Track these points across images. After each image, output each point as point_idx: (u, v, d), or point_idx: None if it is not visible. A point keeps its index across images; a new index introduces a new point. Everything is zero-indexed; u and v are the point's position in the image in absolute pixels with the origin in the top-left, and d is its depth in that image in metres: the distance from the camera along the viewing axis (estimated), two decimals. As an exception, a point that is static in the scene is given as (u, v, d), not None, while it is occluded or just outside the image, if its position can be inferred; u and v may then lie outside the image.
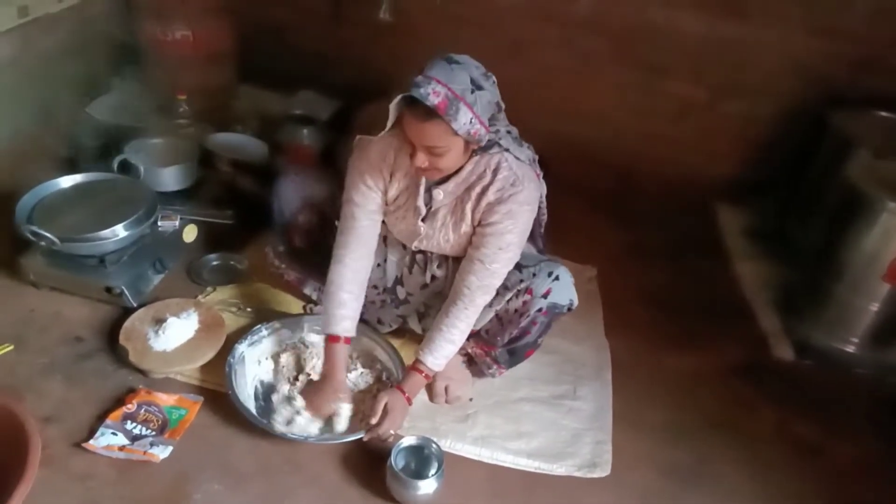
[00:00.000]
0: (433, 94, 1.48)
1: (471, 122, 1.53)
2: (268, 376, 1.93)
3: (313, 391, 1.83)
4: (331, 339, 1.83)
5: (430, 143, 1.57)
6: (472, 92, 1.53)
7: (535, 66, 2.97)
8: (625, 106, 3.07)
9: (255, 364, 1.93)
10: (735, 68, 2.90)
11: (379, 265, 2.00)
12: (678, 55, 2.92)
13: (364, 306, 1.97)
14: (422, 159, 1.60)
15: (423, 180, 1.75)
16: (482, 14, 2.94)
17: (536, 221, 1.90)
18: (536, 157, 1.83)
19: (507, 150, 1.71)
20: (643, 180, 3.06)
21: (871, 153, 2.46)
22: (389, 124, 1.64)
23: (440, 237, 1.81)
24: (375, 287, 2.04)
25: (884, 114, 2.75)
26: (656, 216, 2.97)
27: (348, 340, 1.84)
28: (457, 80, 1.52)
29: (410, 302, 2.02)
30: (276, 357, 1.97)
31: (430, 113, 1.50)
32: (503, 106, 1.69)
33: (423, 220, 1.79)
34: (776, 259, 2.80)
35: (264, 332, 1.98)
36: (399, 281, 2.00)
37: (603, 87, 3.05)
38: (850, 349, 2.41)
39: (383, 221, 1.88)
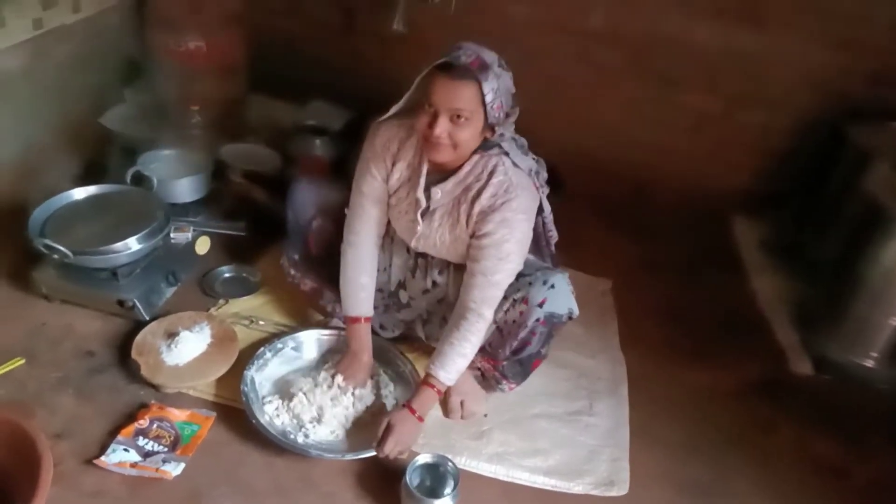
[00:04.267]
0: (465, 55, 1.57)
1: (495, 92, 1.59)
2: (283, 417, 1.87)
3: (348, 371, 1.91)
4: (353, 321, 1.92)
5: (457, 105, 1.58)
6: (499, 66, 1.61)
7: (549, 78, 2.95)
8: (639, 118, 3.04)
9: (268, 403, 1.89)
10: (751, 80, 2.87)
11: (385, 269, 2.01)
12: (693, 67, 2.90)
13: None
14: (443, 125, 1.60)
15: (423, 176, 1.76)
16: (496, 26, 2.92)
17: (543, 237, 1.89)
18: (544, 172, 1.82)
19: (506, 153, 1.72)
20: (658, 193, 3.03)
21: (890, 166, 2.43)
22: (404, 99, 1.68)
23: (436, 237, 1.81)
24: (381, 291, 2.04)
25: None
26: (671, 229, 2.94)
27: (369, 319, 1.94)
28: (486, 53, 1.61)
29: (412, 307, 2.02)
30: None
31: (463, 74, 1.56)
32: (517, 110, 1.69)
33: (421, 215, 1.79)
34: (793, 272, 2.76)
35: (269, 356, 1.97)
36: (402, 285, 2.01)
37: (617, 99, 3.03)
38: (870, 364, 2.36)
39: (389, 222, 1.90)
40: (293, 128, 2.85)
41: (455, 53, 1.57)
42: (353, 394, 1.88)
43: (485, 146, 1.71)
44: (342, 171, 2.68)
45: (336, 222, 2.05)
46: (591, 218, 2.82)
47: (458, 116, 1.59)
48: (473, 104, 1.59)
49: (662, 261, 2.77)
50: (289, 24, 3.20)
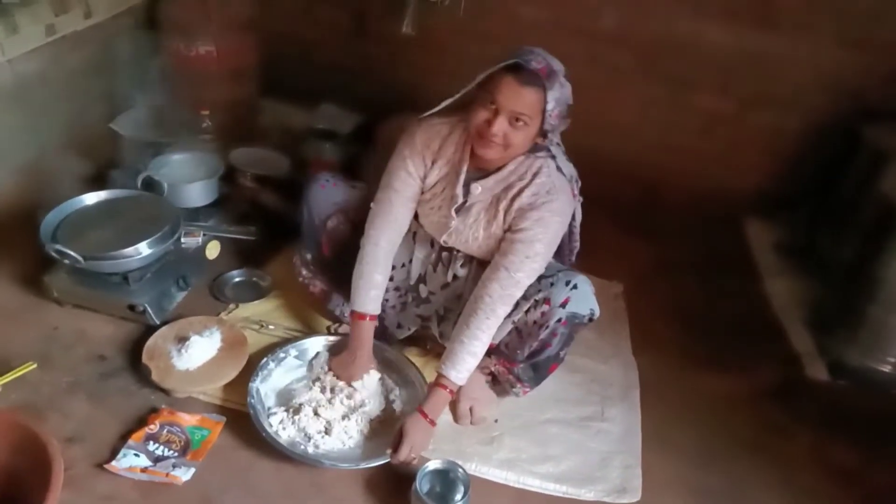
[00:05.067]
0: (536, 61, 1.58)
1: (557, 102, 1.61)
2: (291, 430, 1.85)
3: (341, 366, 1.91)
4: (359, 317, 1.89)
5: (519, 109, 1.60)
6: (564, 77, 1.63)
7: None
8: (651, 119, 3.03)
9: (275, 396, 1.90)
10: (763, 81, 2.85)
11: (404, 265, 2.01)
12: (705, 68, 2.88)
13: (384, 312, 2.00)
14: (502, 125, 1.62)
15: (464, 171, 1.76)
16: (506, 29, 2.92)
17: (567, 245, 1.89)
18: (579, 180, 1.82)
19: (553, 157, 1.74)
20: (670, 195, 3.01)
21: (907, 167, 2.40)
22: (459, 94, 1.67)
23: (469, 234, 1.81)
24: (398, 289, 2.04)
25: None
26: (683, 231, 2.92)
27: (374, 318, 1.90)
28: (555, 62, 1.63)
29: (431, 301, 2.01)
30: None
31: (532, 79, 1.57)
32: (569, 121, 1.71)
33: (456, 211, 1.79)
34: (807, 275, 2.73)
35: (272, 366, 1.95)
36: (422, 279, 2.00)
37: (629, 100, 3.02)
38: (887, 369, 2.33)
39: (415, 217, 1.90)
40: (304, 131, 2.86)
41: (526, 57, 1.58)
42: (362, 410, 1.85)
43: (532, 149, 1.72)
44: (352, 175, 2.68)
45: (352, 223, 2.05)
46: (603, 220, 2.78)
47: (518, 119, 1.61)
48: (535, 110, 1.61)
49: (675, 263, 2.75)
50: (299, 28, 3.21)
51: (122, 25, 2.75)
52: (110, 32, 2.68)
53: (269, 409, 1.84)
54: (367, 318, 1.89)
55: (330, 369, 1.93)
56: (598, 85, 3.00)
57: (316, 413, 1.81)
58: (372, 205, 1.90)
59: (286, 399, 1.88)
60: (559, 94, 1.62)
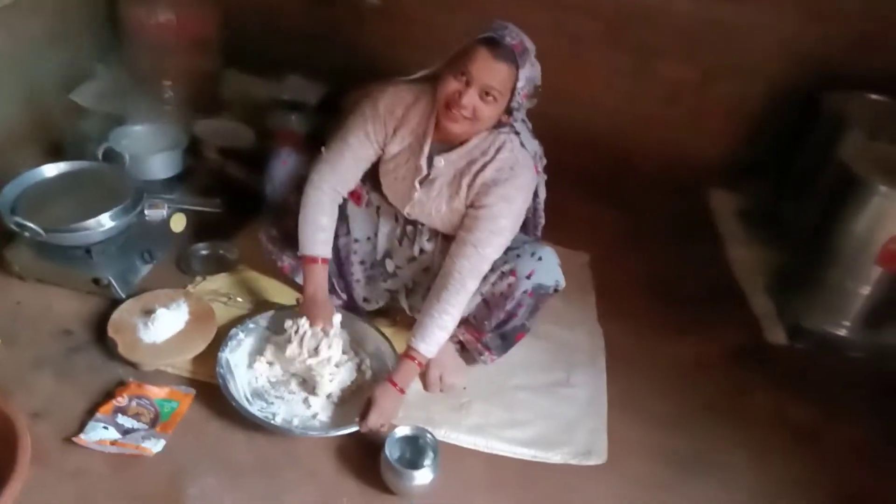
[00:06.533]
0: (510, 37, 1.59)
1: (526, 80, 1.62)
2: (261, 380, 1.88)
3: (307, 311, 1.87)
4: (310, 261, 1.88)
5: (491, 83, 1.60)
6: (534, 56, 1.64)
7: None
8: (617, 89, 3.04)
9: (245, 368, 1.89)
10: (727, 49, 2.88)
11: (369, 239, 2.01)
12: (670, 37, 2.90)
13: (349, 286, 2.01)
14: (472, 97, 1.62)
15: (429, 143, 1.75)
16: (471, -1, 2.90)
17: (532, 221, 1.91)
18: (544, 158, 1.83)
19: (517, 133, 1.74)
20: (637, 164, 3.04)
21: (865, 135, 2.45)
22: (435, 67, 1.68)
23: (432, 207, 1.81)
24: (363, 263, 2.04)
25: (877, 96, 2.73)
26: (650, 200, 2.96)
27: (325, 261, 1.90)
28: (527, 41, 1.64)
29: (398, 276, 2.02)
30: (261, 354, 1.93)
31: (506, 55, 1.58)
32: (535, 100, 1.72)
33: (420, 183, 1.79)
34: (770, 242, 2.79)
35: (241, 336, 1.94)
36: (388, 254, 2.00)
37: (595, 70, 3.02)
38: (842, 333, 2.40)
39: (378, 190, 1.88)
40: (269, 103, 2.82)
41: (501, 32, 1.59)
42: (332, 351, 1.84)
43: (496, 125, 1.73)
44: (319, 145, 2.66)
45: None
46: (570, 190, 2.79)
47: (488, 94, 1.61)
48: (505, 86, 1.62)
49: (642, 232, 2.79)
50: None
51: (81, -7, 2.67)
52: (69, 0, 2.60)
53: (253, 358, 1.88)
54: (319, 261, 1.88)
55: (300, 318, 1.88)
56: (564, 54, 2.99)
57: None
58: (322, 150, 1.89)
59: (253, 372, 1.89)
60: (530, 73, 1.63)
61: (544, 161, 1.86)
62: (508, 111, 1.68)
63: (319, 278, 1.89)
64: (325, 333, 1.85)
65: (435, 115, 1.74)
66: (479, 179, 1.73)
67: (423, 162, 1.77)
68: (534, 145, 1.81)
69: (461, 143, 1.75)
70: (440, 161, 1.76)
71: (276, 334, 1.96)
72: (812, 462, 1.94)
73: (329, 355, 1.83)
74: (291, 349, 1.83)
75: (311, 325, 1.84)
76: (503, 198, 1.71)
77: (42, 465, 1.55)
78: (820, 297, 2.43)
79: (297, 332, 1.84)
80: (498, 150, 1.72)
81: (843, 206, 2.30)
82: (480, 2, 2.83)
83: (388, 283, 2.05)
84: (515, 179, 1.71)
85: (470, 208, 1.75)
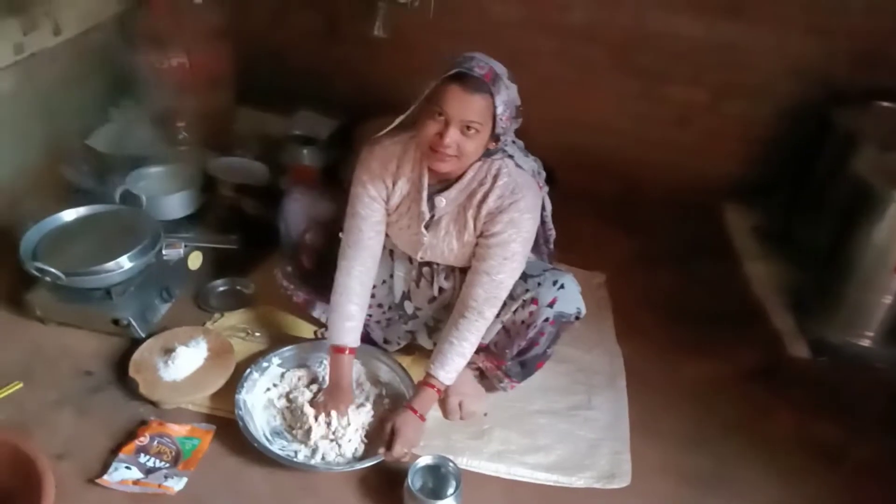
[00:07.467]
0: (478, 67, 1.56)
1: (505, 105, 1.59)
2: (278, 419, 1.88)
3: (328, 400, 1.85)
4: (337, 351, 1.86)
5: (470, 117, 1.58)
6: (508, 79, 1.61)
7: (533, 77, 2.89)
8: (626, 112, 3.05)
9: (261, 409, 1.89)
10: (735, 70, 2.89)
11: (384, 282, 2.00)
12: (676, 59, 2.91)
13: (369, 327, 2.00)
14: (454, 136, 1.59)
15: (426, 187, 1.75)
16: (477, 27, 2.93)
17: (542, 235, 1.90)
18: (542, 171, 1.83)
19: (510, 156, 1.73)
20: (648, 186, 3.04)
21: (878, 146, 2.44)
22: (409, 111, 1.65)
23: (444, 246, 1.80)
24: (381, 306, 2.03)
25: (887, 104, 2.73)
26: (663, 221, 2.95)
27: (353, 351, 1.87)
28: (497, 65, 1.61)
29: (419, 317, 2.01)
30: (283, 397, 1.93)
31: (478, 86, 1.56)
32: (520, 120, 1.70)
33: (426, 227, 1.78)
34: (786, 258, 2.77)
35: (256, 376, 1.93)
36: (406, 296, 1.99)
37: (603, 94, 3.04)
38: (866, 343, 2.38)
39: (387, 235, 1.88)
40: (281, 138, 2.86)
41: (468, 64, 1.56)
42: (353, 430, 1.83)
43: (487, 153, 1.71)
44: (332, 179, 2.70)
45: (328, 235, 2.04)
46: (584, 213, 2.81)
47: (469, 128, 1.59)
48: (485, 116, 1.59)
49: (656, 253, 2.78)
50: (273, 35, 3.20)
51: (93, 41, 2.73)
52: (81, 48, 2.67)
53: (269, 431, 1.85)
54: (346, 352, 1.86)
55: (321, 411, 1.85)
56: (572, 80, 3.04)
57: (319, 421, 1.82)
58: (341, 234, 1.87)
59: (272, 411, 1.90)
60: (506, 97, 1.60)
61: (543, 174, 1.85)
62: (496, 138, 1.66)
63: (346, 368, 1.87)
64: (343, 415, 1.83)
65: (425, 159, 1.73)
66: (483, 210, 1.72)
67: (425, 207, 1.76)
68: (530, 163, 1.80)
69: (458, 179, 1.73)
70: (441, 200, 1.75)
71: (291, 369, 1.98)
72: (834, 479, 1.89)
73: (349, 436, 1.81)
74: (314, 434, 1.80)
75: (332, 410, 1.82)
76: (510, 223, 1.70)
77: (66, 507, 1.56)
78: (841, 310, 2.40)
79: (316, 420, 1.82)
80: (495, 178, 1.71)
81: (859, 218, 2.28)
82: (486, 30, 2.89)
83: (408, 324, 2.04)
84: (519, 203, 1.70)
85: (480, 238, 1.75)
